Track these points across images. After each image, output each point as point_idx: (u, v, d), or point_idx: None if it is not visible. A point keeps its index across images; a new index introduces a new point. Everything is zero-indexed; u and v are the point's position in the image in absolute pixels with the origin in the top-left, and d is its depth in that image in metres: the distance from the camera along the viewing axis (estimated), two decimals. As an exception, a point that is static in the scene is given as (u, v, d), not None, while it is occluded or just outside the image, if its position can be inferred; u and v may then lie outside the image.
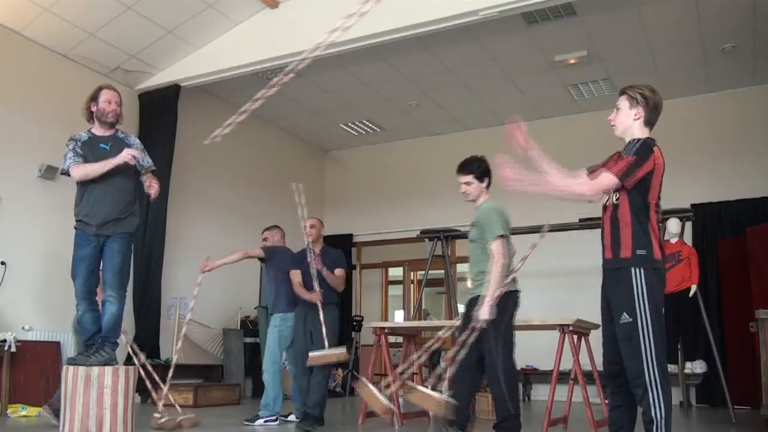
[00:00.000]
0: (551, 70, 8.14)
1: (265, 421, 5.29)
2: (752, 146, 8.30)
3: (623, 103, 2.96)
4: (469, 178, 3.94)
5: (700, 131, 8.67)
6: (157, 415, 4.91)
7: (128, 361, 5.96)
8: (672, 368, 7.09)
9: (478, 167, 3.94)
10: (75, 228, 4.03)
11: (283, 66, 7.68)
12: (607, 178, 2.79)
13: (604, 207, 2.96)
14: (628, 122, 2.94)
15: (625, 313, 2.75)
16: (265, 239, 6.00)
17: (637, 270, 2.75)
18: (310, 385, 5.20)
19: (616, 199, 2.87)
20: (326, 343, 5.11)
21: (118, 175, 4.01)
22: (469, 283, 4.01)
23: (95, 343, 3.91)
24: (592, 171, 2.98)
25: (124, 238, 4.00)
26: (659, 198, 2.87)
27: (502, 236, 3.76)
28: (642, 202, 2.81)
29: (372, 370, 5.60)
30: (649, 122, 2.95)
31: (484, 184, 3.96)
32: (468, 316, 3.74)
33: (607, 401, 3.20)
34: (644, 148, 2.81)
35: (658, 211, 2.86)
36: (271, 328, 5.53)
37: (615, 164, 2.82)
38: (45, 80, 7.03)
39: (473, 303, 3.73)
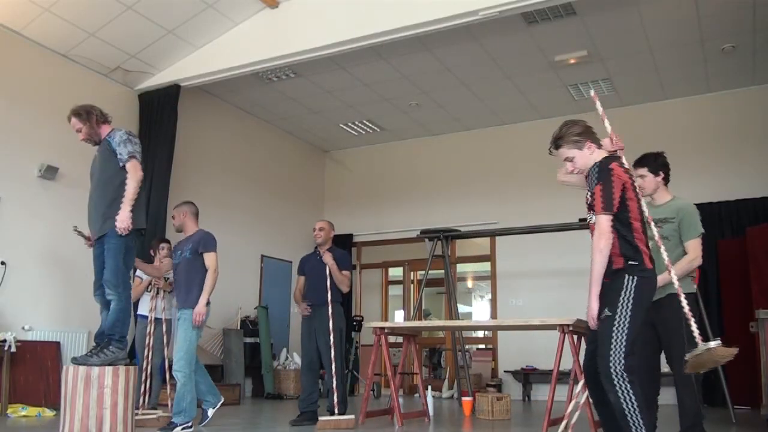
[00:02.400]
0: (551, 70, 8.14)
1: (182, 429, 4.68)
2: (752, 146, 8.31)
3: (570, 152, 3.05)
4: (643, 171, 3.87)
5: (700, 131, 8.67)
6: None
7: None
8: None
9: (654, 161, 3.86)
10: None
11: (283, 66, 7.73)
12: (602, 219, 2.86)
13: (590, 229, 3.03)
14: (590, 160, 3.02)
15: (607, 309, 2.84)
16: (181, 215, 5.13)
17: (630, 277, 2.84)
18: (330, 385, 5.37)
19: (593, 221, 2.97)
20: (332, 339, 5.31)
21: (97, 177, 4.09)
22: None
23: (101, 342, 3.97)
24: (591, 226, 3.02)
25: (111, 238, 3.99)
26: (642, 214, 2.96)
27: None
28: (623, 220, 2.89)
29: (372, 370, 5.60)
30: (598, 143, 3.08)
31: (660, 178, 3.86)
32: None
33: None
34: (601, 172, 2.90)
35: (646, 226, 2.95)
36: (190, 323, 4.88)
37: (594, 201, 2.89)
38: (45, 80, 7.03)
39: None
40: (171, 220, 5.34)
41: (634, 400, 2.68)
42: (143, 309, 6.15)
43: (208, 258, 4.92)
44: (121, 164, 4.06)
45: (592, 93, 3.45)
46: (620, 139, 3.22)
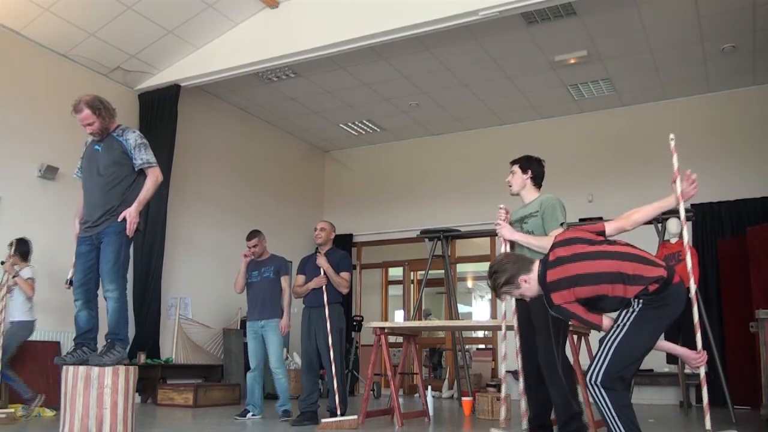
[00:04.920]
0: (551, 70, 8.14)
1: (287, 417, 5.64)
2: (752, 146, 8.30)
3: (514, 293, 3.05)
4: (515, 167, 4.02)
5: (700, 131, 8.66)
6: None
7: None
8: (672, 368, 7.09)
9: (526, 160, 3.99)
10: None
11: (283, 66, 7.74)
12: (601, 326, 2.89)
13: None
14: (534, 287, 2.98)
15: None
16: (255, 246, 5.97)
17: (636, 300, 2.82)
18: (331, 386, 5.41)
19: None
20: (331, 340, 5.31)
21: (106, 176, 3.97)
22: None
23: (86, 342, 3.90)
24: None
25: (112, 231, 3.91)
26: (613, 279, 2.81)
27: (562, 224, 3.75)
28: (609, 301, 2.85)
29: (372, 370, 5.60)
30: (528, 267, 2.98)
31: (527, 176, 3.97)
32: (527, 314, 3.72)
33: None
34: (562, 312, 2.87)
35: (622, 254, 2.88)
36: (279, 330, 5.86)
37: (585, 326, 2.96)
38: (45, 80, 7.03)
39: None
40: (253, 248, 5.96)
41: (611, 406, 2.73)
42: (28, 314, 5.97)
43: (285, 281, 5.91)
44: (137, 168, 4.03)
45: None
46: None
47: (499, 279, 3.00)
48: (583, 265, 2.84)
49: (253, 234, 6.03)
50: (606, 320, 2.89)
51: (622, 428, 2.72)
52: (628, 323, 2.79)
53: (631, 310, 2.81)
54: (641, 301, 2.80)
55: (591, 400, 2.80)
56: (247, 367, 8.62)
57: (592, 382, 2.75)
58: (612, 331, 2.81)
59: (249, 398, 5.82)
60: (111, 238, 3.91)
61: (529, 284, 2.97)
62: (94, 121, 4.01)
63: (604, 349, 2.79)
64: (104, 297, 3.93)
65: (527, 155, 4.07)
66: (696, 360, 3.01)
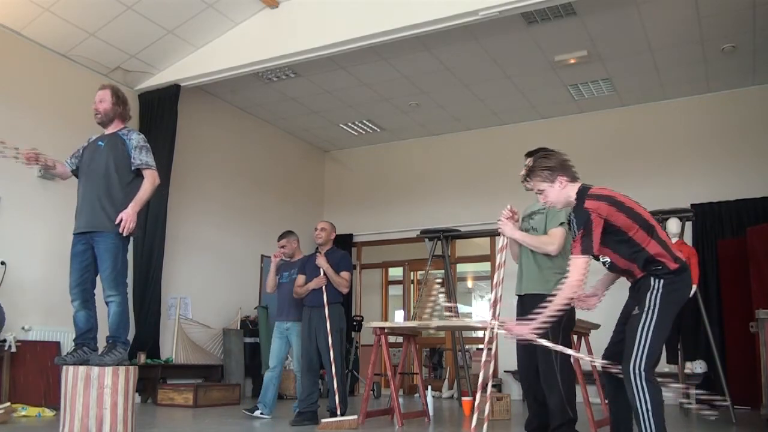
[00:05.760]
0: (551, 70, 8.14)
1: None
2: (752, 146, 8.30)
3: (541, 184, 3.06)
4: (530, 161, 3.95)
5: (700, 131, 8.67)
6: None
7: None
8: (672, 368, 7.08)
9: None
10: None
11: (283, 66, 7.74)
12: (576, 262, 2.85)
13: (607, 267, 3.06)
14: (562, 196, 3.02)
15: (637, 307, 2.88)
16: (284, 246, 6.01)
17: (656, 279, 2.83)
18: (331, 386, 5.40)
19: (605, 263, 2.99)
20: (331, 341, 5.31)
21: (103, 173, 3.97)
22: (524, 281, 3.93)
23: (87, 342, 3.90)
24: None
25: (108, 237, 3.88)
26: (642, 225, 2.88)
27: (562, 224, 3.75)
28: (623, 239, 2.87)
29: (372, 370, 5.60)
30: (573, 177, 3.04)
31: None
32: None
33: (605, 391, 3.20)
34: (582, 217, 2.87)
35: (654, 229, 2.91)
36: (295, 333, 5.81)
37: (574, 244, 2.90)
38: (45, 80, 7.03)
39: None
40: (282, 249, 5.99)
41: (648, 401, 2.68)
42: None
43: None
44: (134, 168, 4.03)
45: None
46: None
47: (547, 163, 3.03)
48: (629, 200, 2.91)
49: (283, 235, 6.06)
50: (579, 275, 2.83)
51: (653, 427, 2.67)
52: (657, 307, 2.78)
53: (655, 291, 2.80)
54: (662, 281, 2.80)
55: (630, 392, 2.71)
56: (248, 367, 8.71)
57: (639, 370, 2.69)
58: (644, 315, 2.78)
59: (262, 396, 5.80)
60: (107, 244, 3.88)
61: (563, 188, 2.99)
62: (106, 100, 4.09)
63: (642, 335, 2.75)
64: (105, 302, 3.92)
65: (543, 148, 3.99)
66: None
